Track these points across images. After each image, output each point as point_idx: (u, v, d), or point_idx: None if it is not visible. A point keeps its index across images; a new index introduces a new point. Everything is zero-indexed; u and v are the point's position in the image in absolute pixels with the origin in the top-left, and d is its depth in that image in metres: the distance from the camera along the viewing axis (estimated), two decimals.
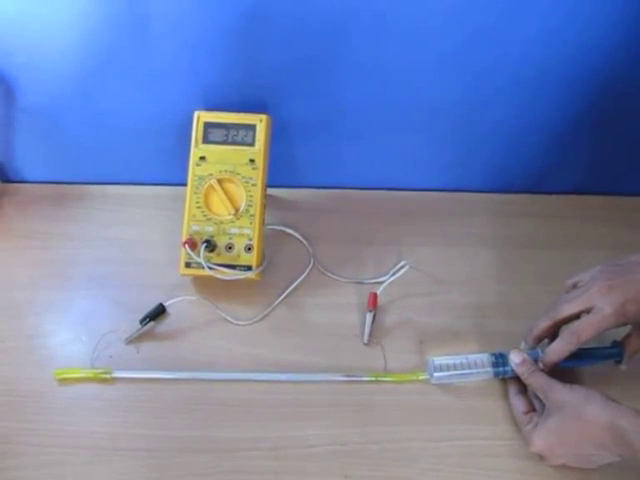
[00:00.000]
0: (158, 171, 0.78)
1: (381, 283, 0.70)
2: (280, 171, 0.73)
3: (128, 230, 0.74)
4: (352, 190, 0.81)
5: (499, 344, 0.64)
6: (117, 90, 0.71)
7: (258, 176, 0.68)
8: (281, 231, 0.75)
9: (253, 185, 0.67)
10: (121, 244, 0.73)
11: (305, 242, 0.74)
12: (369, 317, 0.66)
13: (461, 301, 0.70)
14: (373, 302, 0.66)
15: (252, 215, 0.67)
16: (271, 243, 0.72)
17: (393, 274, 0.71)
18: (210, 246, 0.65)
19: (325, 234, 0.75)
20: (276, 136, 0.71)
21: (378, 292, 0.68)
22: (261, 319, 0.67)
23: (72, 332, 0.65)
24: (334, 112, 0.74)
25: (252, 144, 0.68)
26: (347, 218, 0.78)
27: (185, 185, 0.68)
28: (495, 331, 0.67)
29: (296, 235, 0.75)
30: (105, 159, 0.78)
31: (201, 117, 0.68)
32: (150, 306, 0.66)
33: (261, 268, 0.67)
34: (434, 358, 0.62)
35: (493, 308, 0.69)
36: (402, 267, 0.71)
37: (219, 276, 0.65)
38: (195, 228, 0.67)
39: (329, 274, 0.71)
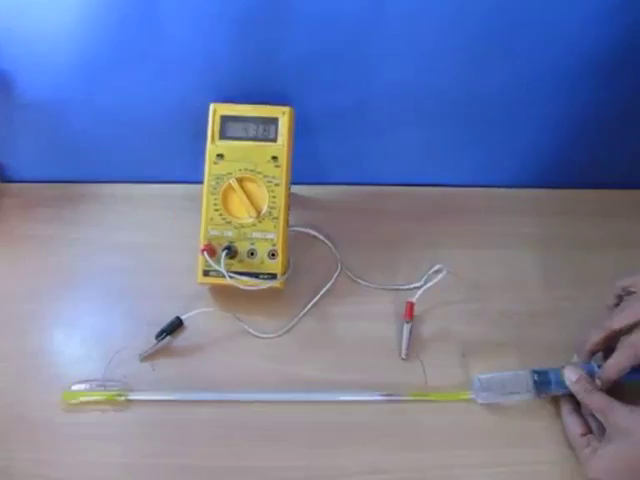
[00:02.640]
0: (171, 168, 0.72)
1: (415, 289, 0.64)
2: (302, 167, 0.67)
3: (139, 234, 0.68)
4: (380, 187, 0.75)
5: (545, 356, 0.59)
6: (125, 81, 0.64)
7: (281, 175, 0.61)
8: (305, 233, 0.69)
9: (276, 185, 0.61)
10: (132, 249, 0.67)
11: (331, 245, 0.68)
12: (406, 329, 0.60)
13: (502, 308, 0.64)
14: (410, 312, 0.61)
15: (275, 218, 0.61)
16: (294, 246, 0.66)
17: (428, 279, 0.65)
18: (231, 252, 0.60)
19: (352, 235, 0.69)
20: (298, 130, 0.64)
21: (414, 300, 0.62)
22: (287, 331, 0.61)
23: (81, 349, 0.59)
24: (361, 104, 0.68)
25: (274, 139, 0.62)
26: (375, 217, 0.71)
27: (201, 183, 0.62)
28: (540, 341, 0.61)
29: (321, 237, 0.69)
30: (113, 156, 0.71)
31: (217, 110, 0.62)
32: (165, 318, 0.60)
33: (286, 276, 0.61)
34: (480, 376, 0.56)
35: (536, 315, 0.64)
36: (438, 272, 0.65)
37: (241, 286, 0.59)
38: (213, 233, 0.61)
39: (359, 280, 0.66)
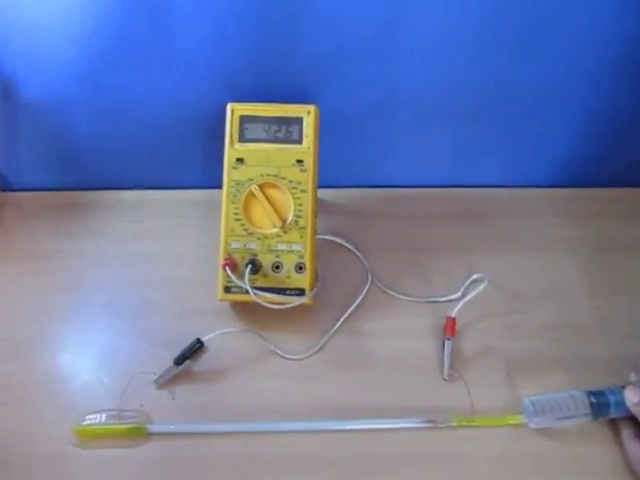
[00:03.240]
0: (185, 173, 0.67)
1: (454, 302, 0.59)
2: (325, 169, 0.61)
3: (151, 245, 0.63)
4: (407, 189, 0.70)
5: (595, 373, 0.54)
6: (133, 80, 0.59)
7: (308, 180, 0.56)
8: (330, 241, 0.64)
9: (302, 191, 0.56)
10: (144, 262, 0.62)
11: (359, 254, 0.63)
12: (448, 347, 0.55)
13: (547, 320, 0.59)
14: (451, 328, 0.56)
15: (302, 227, 0.56)
16: (319, 256, 0.60)
17: (466, 290, 0.60)
18: (255, 267, 0.54)
19: (381, 242, 0.64)
20: (321, 129, 0.59)
21: (453, 314, 0.57)
22: (317, 351, 0.56)
23: (91, 374, 0.54)
24: (387, 102, 0.63)
25: (299, 141, 0.56)
26: (404, 222, 0.66)
27: (217, 188, 0.57)
28: (592, 357, 0.56)
29: (348, 246, 0.64)
30: (121, 160, 0.66)
31: (236, 110, 0.57)
32: (183, 338, 0.55)
33: (315, 290, 0.56)
34: (531, 398, 0.51)
35: (585, 327, 0.59)
36: (478, 281, 0.60)
37: (266, 304, 0.53)
38: (235, 245, 0.56)
39: (390, 292, 0.60)
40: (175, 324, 0.57)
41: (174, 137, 0.64)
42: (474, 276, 0.61)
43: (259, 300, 0.53)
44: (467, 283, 0.61)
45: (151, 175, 0.67)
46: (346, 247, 0.64)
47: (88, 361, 0.55)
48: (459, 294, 0.60)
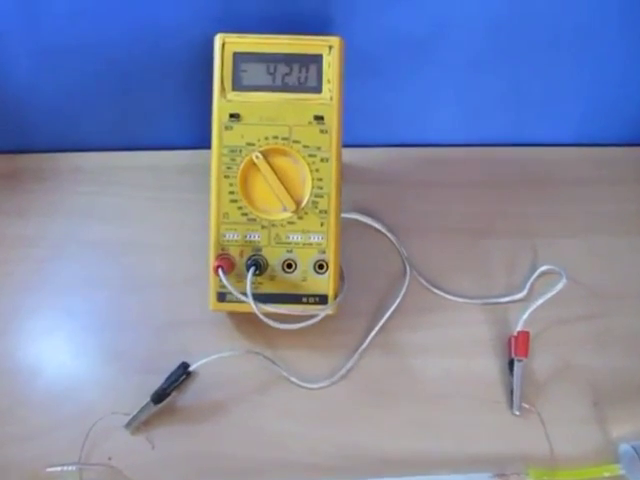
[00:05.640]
0: (164, 129, 0.52)
1: (517, 302, 0.45)
2: (348, 123, 0.45)
3: (118, 227, 0.48)
4: (453, 148, 0.54)
5: None
6: (91, 4, 0.42)
7: (331, 144, 0.40)
8: (355, 221, 0.49)
9: (323, 160, 0.40)
10: (108, 252, 0.47)
11: (393, 238, 0.48)
12: (519, 371, 0.41)
13: (637, 328, 0.46)
14: (524, 347, 0.42)
15: (323, 211, 0.41)
16: (342, 244, 0.45)
17: (532, 287, 0.46)
18: (259, 268, 0.40)
19: (422, 222, 0.50)
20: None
21: (523, 326, 0.43)
22: (344, 376, 0.42)
23: (42, 413, 0.40)
24: (430, 35, 0.47)
25: (317, 89, 0.40)
26: (449, 194, 0.51)
27: (206, 148, 0.42)
28: None
29: (379, 227, 0.49)
30: (78, 114, 0.50)
31: (228, 44, 0.40)
32: (163, 361, 0.41)
33: (341, 296, 0.42)
34: (634, 444, 0.38)
35: None
36: (548, 274, 0.46)
37: (274, 323, 0.39)
38: (230, 237, 0.41)
39: (436, 290, 0.46)
40: (153, 342, 0.43)
41: (149, 81, 0.48)
42: (542, 267, 0.47)
43: (267, 320, 0.38)
44: (534, 277, 0.47)
45: (119, 132, 0.52)
46: (376, 229, 0.49)
47: (38, 394, 0.41)
48: (524, 292, 0.46)
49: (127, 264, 0.46)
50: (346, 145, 0.44)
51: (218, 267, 0.38)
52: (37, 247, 0.47)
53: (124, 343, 0.43)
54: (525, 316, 0.43)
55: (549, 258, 0.48)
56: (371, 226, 0.49)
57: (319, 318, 0.39)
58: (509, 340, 0.43)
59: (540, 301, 0.44)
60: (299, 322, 0.39)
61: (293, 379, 0.41)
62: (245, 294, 0.38)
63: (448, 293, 0.46)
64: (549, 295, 0.44)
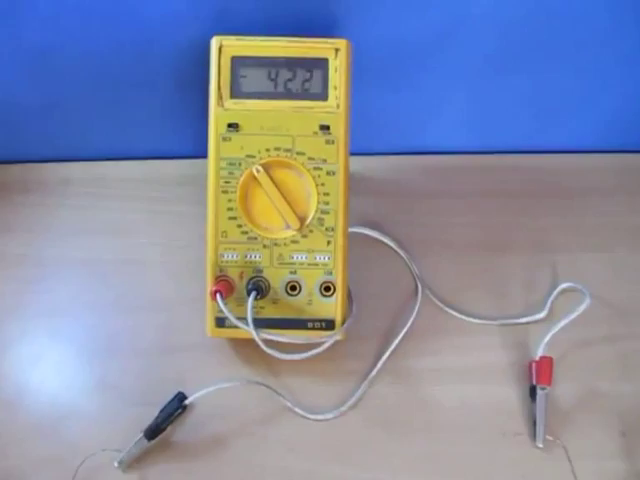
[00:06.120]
0: (157, 136, 0.48)
1: (537, 323, 0.42)
2: (353, 129, 0.42)
3: (109, 243, 0.45)
4: (466, 156, 0.51)
5: None
6: (71, 5, 0.39)
7: (337, 155, 0.37)
8: (361, 236, 0.46)
9: (329, 173, 0.37)
10: (102, 271, 0.44)
11: (403, 253, 0.45)
12: (542, 400, 0.38)
13: None
14: (547, 374, 0.38)
15: (330, 228, 0.38)
16: (348, 260, 0.42)
17: (553, 306, 0.43)
18: (261, 292, 0.36)
19: (433, 235, 0.47)
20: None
21: (545, 351, 0.40)
22: (353, 406, 0.39)
23: (24, 449, 0.37)
24: (441, 37, 0.44)
25: (322, 96, 0.37)
26: (463, 204, 0.48)
27: (201, 157, 0.38)
28: None
29: (387, 242, 0.46)
30: (66, 121, 0.47)
31: (225, 48, 0.37)
32: (158, 391, 0.38)
33: (350, 321, 0.39)
34: None
35: None
36: (569, 292, 0.43)
37: (277, 354, 0.35)
38: (229, 257, 0.37)
39: (450, 310, 0.43)
40: (147, 370, 0.39)
41: (141, 85, 0.45)
42: (563, 285, 0.44)
43: (270, 351, 0.35)
44: (554, 295, 0.44)
45: (110, 141, 0.48)
46: (384, 244, 0.46)
47: (18, 430, 0.37)
48: (544, 312, 0.43)
49: (118, 284, 0.43)
50: (350, 153, 0.41)
51: (216, 292, 0.35)
52: (21, 266, 0.44)
53: (115, 371, 0.39)
54: (547, 339, 0.40)
55: (569, 275, 0.45)
56: (379, 241, 0.46)
57: (326, 347, 0.36)
58: (529, 365, 0.40)
59: (562, 323, 0.41)
60: (304, 352, 0.35)
61: (298, 410, 0.38)
62: (245, 319, 0.35)
63: (463, 313, 0.43)
64: (572, 316, 0.41)
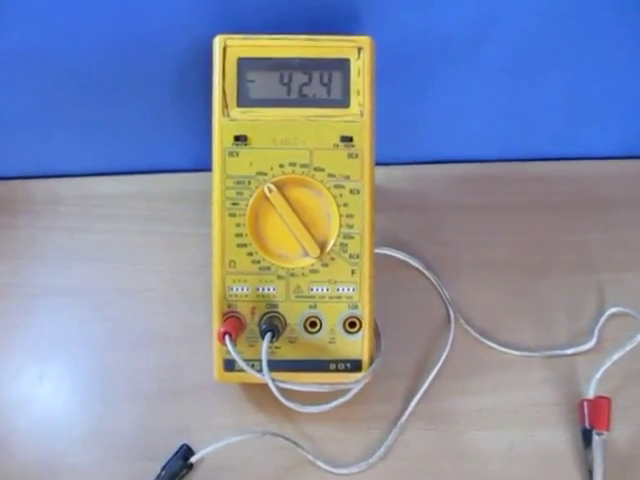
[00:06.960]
0: (157, 149, 0.44)
1: (585, 354, 0.38)
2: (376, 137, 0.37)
3: (108, 271, 0.40)
4: (498, 164, 0.46)
5: None
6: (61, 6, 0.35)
7: (362, 171, 0.33)
8: (386, 257, 0.41)
9: (353, 192, 0.33)
10: (96, 302, 0.39)
11: (432, 277, 0.40)
12: (599, 447, 0.33)
13: None
14: (604, 417, 0.34)
15: (355, 255, 0.33)
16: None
17: (601, 334, 0.38)
18: (277, 333, 0.32)
19: (465, 255, 0.42)
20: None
21: (595, 389, 0.35)
22: (382, 457, 0.34)
23: None
24: (472, 36, 0.39)
25: (344, 103, 0.32)
26: (497, 218, 0.44)
27: (206, 170, 0.34)
28: None
29: (415, 264, 0.41)
30: (55, 132, 0.42)
31: (230, 47, 0.32)
32: (159, 442, 0.33)
33: (379, 362, 0.34)
34: None
35: None
36: (619, 316, 0.38)
37: (295, 406, 0.31)
38: (238, 290, 0.33)
39: (487, 341, 0.38)
40: (146, 416, 0.35)
41: (136, 92, 0.40)
42: (611, 309, 0.40)
43: (288, 403, 0.30)
44: (602, 321, 0.39)
45: (104, 154, 0.44)
46: (411, 265, 0.41)
47: None
48: (593, 341, 0.38)
49: (114, 316, 0.38)
50: None
51: (224, 334, 0.30)
52: (7, 297, 0.39)
53: (110, 419, 0.35)
54: (598, 375, 0.36)
55: (617, 297, 0.40)
56: (405, 262, 0.41)
57: (352, 394, 0.31)
58: (581, 404, 0.35)
59: (615, 356, 0.36)
60: (327, 402, 0.31)
61: (320, 463, 0.33)
62: (259, 363, 0.31)
63: (502, 345, 0.38)
64: (628, 348, 0.36)
